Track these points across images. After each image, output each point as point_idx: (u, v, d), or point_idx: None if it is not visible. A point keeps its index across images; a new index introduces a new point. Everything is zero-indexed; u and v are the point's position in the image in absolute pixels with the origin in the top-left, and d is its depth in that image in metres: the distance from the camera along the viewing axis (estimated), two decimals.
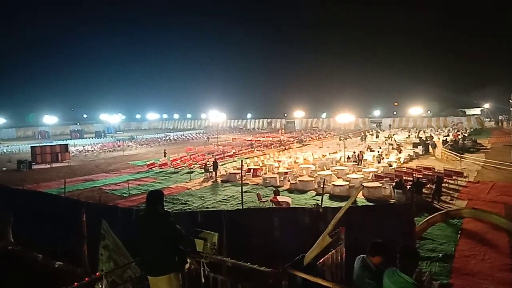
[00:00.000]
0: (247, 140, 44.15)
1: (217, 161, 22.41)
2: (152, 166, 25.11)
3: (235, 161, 25.62)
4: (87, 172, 24.19)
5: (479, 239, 9.50)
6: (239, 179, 15.57)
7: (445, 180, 17.03)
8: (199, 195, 16.45)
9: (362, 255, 3.65)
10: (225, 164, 25.25)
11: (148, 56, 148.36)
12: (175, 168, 24.37)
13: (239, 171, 15.96)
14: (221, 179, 19.94)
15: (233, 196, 15.81)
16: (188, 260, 4.38)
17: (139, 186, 18.91)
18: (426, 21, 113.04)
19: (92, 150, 39.55)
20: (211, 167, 20.94)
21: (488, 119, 58.18)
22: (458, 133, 41.45)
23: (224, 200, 15.42)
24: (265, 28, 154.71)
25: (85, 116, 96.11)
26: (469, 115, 62.82)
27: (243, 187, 16.89)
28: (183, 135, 59.26)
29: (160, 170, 24.15)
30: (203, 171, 21.51)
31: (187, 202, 15.15)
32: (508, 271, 7.62)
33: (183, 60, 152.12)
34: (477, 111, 66.74)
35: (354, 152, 24.81)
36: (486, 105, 66.05)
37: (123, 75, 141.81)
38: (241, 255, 5.19)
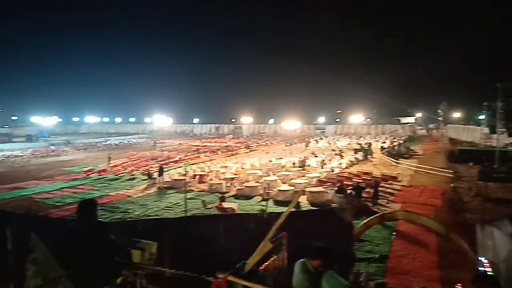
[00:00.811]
0: (194, 146, 43.47)
1: (162, 167, 21.76)
2: (90, 173, 23.66)
3: (180, 167, 25.02)
4: (16, 180, 22.11)
5: (411, 239, 10.18)
6: (184, 186, 15.21)
7: (381, 184, 18.11)
8: (141, 203, 15.78)
9: (303, 259, 3.70)
10: (169, 170, 24.57)
11: (86, 54, 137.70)
12: (115, 175, 23.19)
13: (184, 177, 15.60)
14: (165, 185, 19.35)
15: (178, 203, 15.39)
16: (124, 272, 4.12)
17: (75, 194, 17.69)
18: (367, 34, 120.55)
19: (22, 156, 36.33)
20: (155, 173, 20.26)
21: (421, 127, 63.06)
22: (394, 140, 44.39)
23: (167, 208, 14.95)
24: (212, 32, 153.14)
25: (14, 118, 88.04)
26: (404, 123, 67.76)
27: (188, 193, 16.61)
28: (125, 139, 56.72)
29: (99, 176, 22.82)
30: (146, 177, 20.73)
31: (128, 211, 14.45)
32: (435, 269, 8.23)
33: (126, 61, 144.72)
34: (411, 119, 72.13)
35: (300, 158, 25.50)
36: (419, 114, 71.64)
37: (59, 74, 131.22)
38: (184, 265, 5.01)
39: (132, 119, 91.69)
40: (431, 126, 59.71)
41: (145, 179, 20.80)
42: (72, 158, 34.02)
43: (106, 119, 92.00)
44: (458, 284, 3.28)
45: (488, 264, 4.80)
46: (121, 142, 52.97)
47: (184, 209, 12.81)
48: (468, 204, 14.24)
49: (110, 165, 25.99)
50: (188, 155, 32.83)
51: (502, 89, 20.32)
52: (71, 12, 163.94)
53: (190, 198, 16.00)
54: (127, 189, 18.95)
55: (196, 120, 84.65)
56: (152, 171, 21.79)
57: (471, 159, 24.22)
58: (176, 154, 33.67)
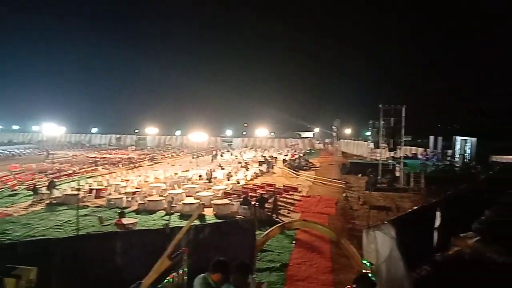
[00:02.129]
0: (91, 157, 39.97)
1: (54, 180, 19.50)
2: None
3: (74, 180, 22.71)
4: None
5: (309, 247, 10.86)
6: (77, 201, 13.82)
7: (283, 194, 19.07)
8: (24, 222, 13.80)
9: (203, 274, 3.64)
10: (61, 184, 22.11)
11: None
12: None
13: (78, 192, 14.19)
14: (55, 201, 17.31)
15: (69, 221, 13.87)
16: None
17: None
18: (271, 53, 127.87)
19: None
20: (43, 187, 18.03)
21: (318, 142, 68.53)
22: (295, 153, 47.29)
23: (57, 227, 13.35)
24: (115, 35, 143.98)
25: None
26: (304, 137, 72.98)
27: (83, 210, 15.17)
28: (6, 150, 49.25)
29: None
30: (32, 193, 18.28)
31: (6, 232, 12.49)
32: (329, 273, 8.89)
33: (6, 57, 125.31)
34: (310, 134, 78.13)
35: (207, 170, 25.37)
36: (317, 130, 78.00)
37: None
38: None
39: (15, 127, 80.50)
40: (327, 140, 65.36)
41: (30, 195, 18.32)
42: None
43: None
44: (348, 286, 3.62)
45: (369, 266, 5.38)
46: (1, 153, 45.86)
47: (76, 228, 11.59)
48: (357, 212, 15.83)
49: None
50: (83, 168, 30.02)
51: (383, 109, 23.38)
52: None
53: (85, 215, 14.63)
54: (7, 207, 16.44)
55: (94, 130, 78.18)
56: (39, 186, 19.32)
57: (359, 171, 27.16)
58: (70, 167, 30.52)
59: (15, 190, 19.93)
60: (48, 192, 18.01)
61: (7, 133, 74.52)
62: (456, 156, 28.61)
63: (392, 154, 26.33)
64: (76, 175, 25.68)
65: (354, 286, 3.14)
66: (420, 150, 34.66)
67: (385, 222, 7.22)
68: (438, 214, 9.29)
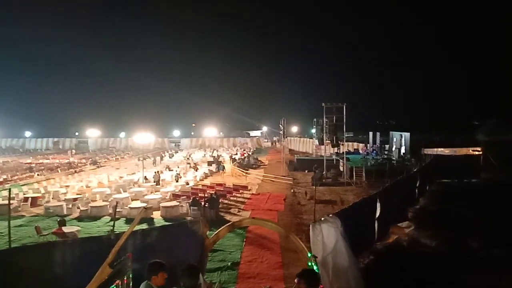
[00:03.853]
0: (26, 163, 36.93)
1: None
2: None
3: (5, 189, 20.83)
4: None
5: (259, 244, 11.02)
6: (9, 211, 12.69)
7: (233, 193, 19.14)
8: None
9: (146, 281, 3.56)
10: None
11: None
12: None
13: (8, 201, 13.03)
14: None
15: (1, 233, 12.72)
16: None
17: None
18: (218, 52, 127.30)
19: None
20: None
21: (266, 140, 69.57)
22: (244, 152, 47.60)
23: None
24: (51, 31, 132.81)
25: None
26: (252, 136, 73.63)
27: (17, 220, 14.08)
28: None
29: None
30: None
31: None
32: (279, 268, 9.11)
33: None
34: (258, 133, 79.02)
35: (155, 172, 24.63)
36: (265, 128, 79.13)
37: None
38: None
39: None
40: (274, 138, 66.56)
41: None
42: None
43: None
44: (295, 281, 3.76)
45: (314, 259, 5.60)
46: None
47: (8, 240, 10.63)
48: (304, 207, 16.35)
49: None
50: (17, 175, 27.64)
51: (326, 108, 24.37)
52: None
53: (20, 226, 13.58)
54: None
55: (28, 134, 72.21)
56: None
57: (306, 167, 28.08)
58: (0, 174, 27.93)
59: None
60: None
61: None
62: (392, 150, 30.70)
63: (335, 150, 27.56)
64: (8, 183, 23.60)
65: (298, 280, 3.28)
66: (361, 145, 36.66)
67: (330, 215, 7.55)
68: (378, 205, 9.92)
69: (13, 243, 10.59)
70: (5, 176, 26.51)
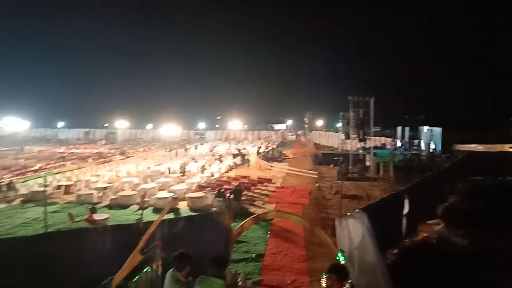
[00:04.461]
0: (58, 153, 38.51)
1: (18, 177, 18.69)
2: None
3: (40, 176, 21.81)
4: None
5: (283, 237, 11.02)
6: (45, 198, 13.30)
7: (258, 186, 19.21)
8: None
9: (171, 269, 3.63)
10: (27, 180, 21.23)
11: None
12: None
13: (45, 188, 13.66)
14: (21, 199, 16.62)
15: (37, 218, 13.36)
16: None
17: None
18: (245, 47, 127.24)
19: None
20: (8, 184, 17.30)
21: (291, 133, 69.23)
22: (268, 145, 47.57)
23: (24, 225, 12.82)
24: (81, 25, 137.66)
25: None
26: (277, 129, 73.49)
27: (52, 206, 14.66)
28: None
29: None
30: None
31: None
32: (304, 262, 9.08)
33: None
34: (282, 126, 78.78)
35: (180, 164, 25.07)
36: (289, 122, 78.76)
37: None
38: None
39: None
40: (299, 132, 66.11)
41: None
42: None
43: None
44: (324, 276, 3.71)
45: (341, 254, 5.54)
46: None
47: (44, 225, 11.17)
48: (329, 201, 16.18)
49: None
50: (50, 163, 28.90)
51: (352, 101, 23.89)
52: None
53: (54, 212, 14.15)
54: None
55: (61, 124, 75.16)
56: (2, 183, 18.44)
57: (331, 161, 27.72)
58: (36, 162, 29.27)
59: None
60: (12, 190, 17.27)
61: None
62: (422, 145, 29.79)
63: (362, 144, 27.03)
64: (43, 171, 24.69)
65: (328, 275, 3.24)
66: (389, 140, 35.78)
67: (357, 210, 7.43)
68: (406, 201, 9.67)
69: (49, 228, 11.11)
70: (40, 164, 27.80)
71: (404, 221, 9.69)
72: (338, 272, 3.31)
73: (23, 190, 17.67)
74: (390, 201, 9.63)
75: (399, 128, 35.42)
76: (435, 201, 13.57)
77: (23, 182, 20.58)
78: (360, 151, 27.93)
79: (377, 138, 36.40)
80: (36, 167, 26.42)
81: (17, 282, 5.22)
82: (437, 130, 28.34)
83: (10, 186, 17.60)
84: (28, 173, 24.19)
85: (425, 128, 30.45)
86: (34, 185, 19.00)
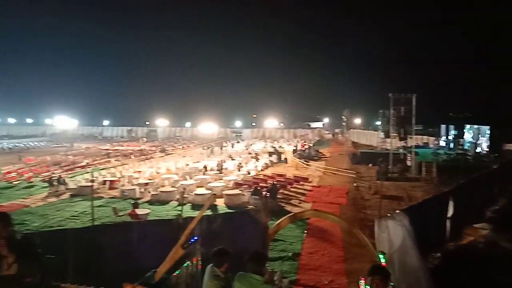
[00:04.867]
0: (103, 149, 40.52)
1: (67, 172, 19.93)
2: None
3: (87, 172, 23.09)
4: None
5: (321, 236, 10.92)
6: (92, 192, 14.07)
7: (294, 185, 19.14)
8: (41, 213, 14.16)
9: (210, 265, 3.71)
10: (75, 176, 22.55)
11: None
12: (9, 183, 20.41)
13: (92, 183, 14.45)
14: (70, 193, 17.69)
15: (85, 211, 14.17)
16: None
17: None
18: (282, 45, 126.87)
19: None
20: (58, 179, 18.49)
21: (327, 132, 68.18)
22: (304, 143, 47.14)
23: (73, 217, 13.67)
24: (123, 29, 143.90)
25: None
26: (313, 128, 72.70)
27: (97, 201, 15.44)
28: (21, 143, 50.18)
29: None
30: (47, 185, 18.68)
31: (25, 222, 12.82)
32: (341, 262, 8.95)
33: (19, 51, 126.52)
34: (319, 124, 77.78)
35: (218, 161, 25.52)
36: (326, 120, 77.62)
37: None
38: (91, 278, 4.64)
39: (29, 120, 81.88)
40: (336, 130, 64.89)
41: (45, 187, 18.72)
42: None
43: None
44: (362, 278, 3.64)
45: (382, 256, 5.40)
46: (15, 145, 46.77)
47: (91, 218, 11.82)
48: (368, 202, 15.81)
49: (3, 171, 22.83)
50: (96, 160, 30.48)
51: (393, 98, 23.11)
52: None
53: (100, 206, 14.91)
54: (24, 198, 16.86)
55: (106, 123, 79.03)
56: (54, 178, 19.73)
57: (370, 161, 26.95)
58: (83, 159, 31.00)
59: (31, 182, 20.41)
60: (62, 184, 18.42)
61: (19, 126, 75.84)
62: (468, 144, 28.22)
63: (402, 143, 26.06)
64: (90, 167, 26.09)
65: (371, 277, 3.16)
66: (432, 139, 34.22)
67: (397, 211, 7.20)
68: (451, 203, 9.22)
69: (95, 222, 11.75)
70: (87, 161, 29.40)
71: (448, 224, 9.25)
72: (382, 274, 3.23)
73: (71, 184, 18.79)
74: (433, 202, 9.21)
75: (443, 126, 33.74)
76: (482, 204, 12.84)
77: (72, 177, 21.87)
78: (401, 150, 26.94)
79: (419, 136, 34.91)
80: (83, 163, 27.97)
81: (68, 270, 5.57)
82: (485, 128, 26.71)
83: (60, 181, 18.75)
84: (76, 168, 25.67)
85: (472, 127, 28.83)
86: (81, 180, 20.16)
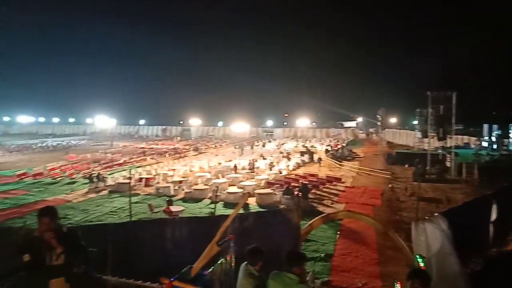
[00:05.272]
0: (139, 148, 41.94)
1: (106, 170, 20.80)
2: (23, 176, 21.83)
3: (125, 170, 23.98)
4: None
5: (354, 238, 10.71)
6: (129, 189, 14.61)
7: (326, 185, 18.88)
8: (82, 208, 14.89)
9: (245, 263, 3.74)
10: (113, 173, 23.50)
11: (16, 46, 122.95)
12: (53, 179, 21.63)
13: (129, 181, 14.99)
14: (109, 189, 18.46)
15: (122, 207, 14.74)
16: None
17: (6, 200, 16.24)
18: (313, 44, 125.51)
19: None
20: (97, 176, 19.37)
21: (361, 131, 66.59)
22: (337, 143, 46.36)
23: (111, 213, 14.26)
24: (158, 32, 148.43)
25: None
26: (346, 127, 71.30)
27: (134, 197, 16.00)
28: (64, 141, 53.04)
29: (34, 180, 21.15)
30: (88, 181, 19.60)
31: (67, 216, 13.54)
32: (375, 265, 8.73)
33: (63, 55, 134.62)
34: (353, 124, 76.16)
35: (249, 160, 25.66)
36: (360, 119, 75.83)
37: None
38: (129, 272, 4.80)
39: (71, 120, 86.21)
40: (370, 130, 63.22)
41: (86, 183, 19.66)
42: (2, 161, 31.10)
43: (42, 119, 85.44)
44: (398, 282, 3.53)
45: (421, 260, 5.21)
46: (59, 143, 49.46)
47: (129, 214, 12.28)
48: (404, 203, 15.31)
49: (47, 168, 24.21)
50: (133, 158, 31.59)
51: (431, 97, 22.18)
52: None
53: (136, 202, 15.43)
54: (67, 194, 17.81)
55: (142, 122, 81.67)
56: (94, 174, 20.68)
57: (406, 161, 26.07)
58: (121, 157, 32.24)
59: (73, 179, 21.51)
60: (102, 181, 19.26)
61: (62, 126, 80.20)
62: None
63: (441, 143, 24.98)
64: (127, 165, 27.09)
65: (410, 281, 3.05)
66: (473, 139, 32.58)
67: (436, 214, 6.92)
68: (494, 207, 8.75)
69: (132, 217, 12.20)
70: (124, 159, 30.55)
71: (491, 228, 8.78)
72: (422, 278, 3.12)
73: (110, 181, 19.60)
74: (475, 206, 8.77)
75: (486, 126, 32.05)
76: None
77: (110, 174, 22.81)
78: (439, 151, 25.84)
79: (459, 136, 33.32)
80: (121, 161, 29.08)
81: (107, 263, 5.82)
82: None
83: (100, 177, 19.60)
84: (114, 166, 26.73)
85: None
86: (119, 177, 20.98)
